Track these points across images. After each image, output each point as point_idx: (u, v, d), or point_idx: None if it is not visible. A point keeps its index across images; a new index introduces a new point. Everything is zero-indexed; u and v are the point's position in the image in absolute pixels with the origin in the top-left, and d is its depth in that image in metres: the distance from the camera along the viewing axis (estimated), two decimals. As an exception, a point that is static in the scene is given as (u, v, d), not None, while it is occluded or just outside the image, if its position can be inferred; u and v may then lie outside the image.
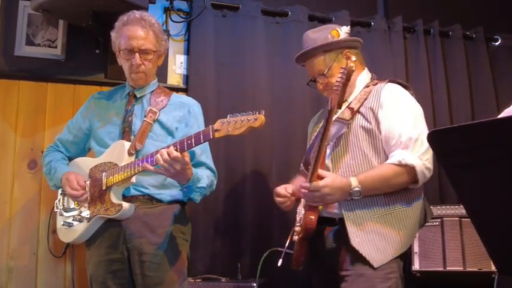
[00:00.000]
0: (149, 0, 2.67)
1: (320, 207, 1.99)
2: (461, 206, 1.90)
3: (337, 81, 1.87)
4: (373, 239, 1.91)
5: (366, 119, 2.00)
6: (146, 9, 2.60)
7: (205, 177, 2.15)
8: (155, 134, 2.19)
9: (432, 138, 1.07)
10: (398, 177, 1.90)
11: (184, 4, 3.16)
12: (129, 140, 2.17)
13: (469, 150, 1.02)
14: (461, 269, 2.65)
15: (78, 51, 2.91)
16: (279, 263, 2.06)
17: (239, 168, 3.00)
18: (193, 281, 2.55)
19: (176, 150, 1.92)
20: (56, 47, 2.89)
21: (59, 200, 2.28)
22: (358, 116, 2.02)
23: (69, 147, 2.36)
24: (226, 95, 3.07)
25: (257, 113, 1.81)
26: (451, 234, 2.72)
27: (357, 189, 1.87)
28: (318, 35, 2.15)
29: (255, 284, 2.52)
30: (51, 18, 2.87)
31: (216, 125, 1.87)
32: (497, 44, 3.68)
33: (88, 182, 2.16)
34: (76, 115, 2.40)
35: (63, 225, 2.21)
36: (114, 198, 2.09)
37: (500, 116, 1.52)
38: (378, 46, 3.34)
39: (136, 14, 2.22)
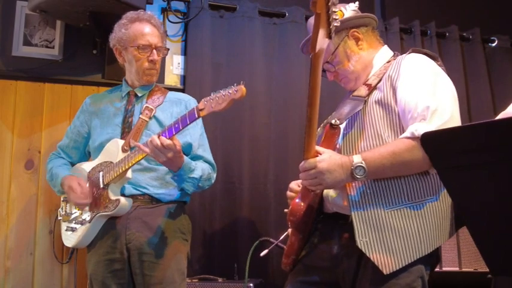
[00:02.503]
0: (146, 0, 2.68)
1: (331, 195, 1.69)
2: (457, 206, 1.84)
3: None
4: (386, 238, 1.56)
5: (382, 92, 1.69)
6: (144, 10, 2.61)
7: (199, 169, 2.13)
8: (151, 131, 2.18)
9: (426, 140, 1.07)
10: (411, 152, 1.53)
11: (181, 5, 3.16)
12: None
13: (462, 152, 1.02)
14: (457, 269, 2.66)
15: (76, 51, 2.92)
16: (263, 253, 1.85)
17: (236, 169, 3.00)
18: (190, 281, 2.55)
19: (165, 135, 1.91)
20: (53, 48, 2.90)
21: (62, 208, 2.30)
22: (375, 91, 1.72)
23: (71, 153, 2.36)
24: (224, 95, 3.07)
25: (236, 85, 1.81)
26: (447, 235, 2.73)
27: (360, 165, 1.52)
28: None
29: (251, 285, 2.53)
30: (48, 18, 2.87)
31: (200, 105, 1.88)
32: (493, 45, 3.69)
33: (90, 187, 2.16)
34: (74, 121, 2.39)
35: (66, 230, 2.23)
36: (112, 194, 2.09)
37: (498, 117, 1.53)
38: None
39: (146, 14, 2.26)
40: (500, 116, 1.58)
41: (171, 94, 2.36)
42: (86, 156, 2.38)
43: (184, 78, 3.09)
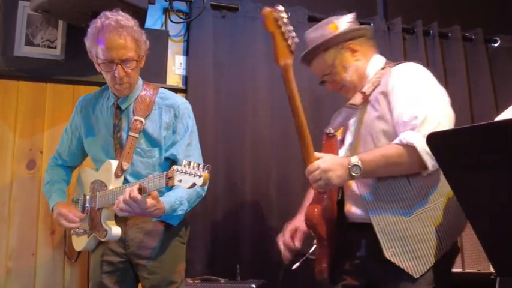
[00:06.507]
0: (148, 0, 2.67)
1: (348, 209, 1.82)
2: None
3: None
4: (410, 245, 1.69)
5: (376, 104, 1.81)
6: (145, 10, 2.61)
7: (185, 203, 2.06)
8: (143, 150, 2.12)
9: (431, 141, 1.07)
10: (401, 157, 1.65)
11: (183, 5, 3.16)
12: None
13: (467, 153, 1.02)
14: (460, 270, 2.65)
15: (78, 51, 2.88)
16: (294, 266, 1.93)
17: (238, 170, 3.00)
18: (192, 282, 2.55)
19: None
20: (55, 48, 2.89)
21: None
22: (369, 103, 1.83)
23: (67, 158, 2.34)
24: (226, 95, 3.07)
25: (202, 169, 1.74)
26: (450, 236, 2.71)
27: (357, 164, 1.65)
28: (315, 34, 1.99)
29: (254, 286, 2.52)
30: (50, 18, 2.87)
31: (170, 173, 1.80)
32: (496, 45, 3.69)
33: (84, 211, 2.18)
34: (67, 127, 2.34)
35: (72, 234, 2.27)
36: (103, 221, 2.08)
37: (497, 118, 1.53)
38: (377, 47, 3.34)
39: (111, 20, 2.00)
40: (500, 117, 1.59)
41: (160, 99, 2.19)
42: (83, 157, 2.36)
43: (186, 79, 3.09)
